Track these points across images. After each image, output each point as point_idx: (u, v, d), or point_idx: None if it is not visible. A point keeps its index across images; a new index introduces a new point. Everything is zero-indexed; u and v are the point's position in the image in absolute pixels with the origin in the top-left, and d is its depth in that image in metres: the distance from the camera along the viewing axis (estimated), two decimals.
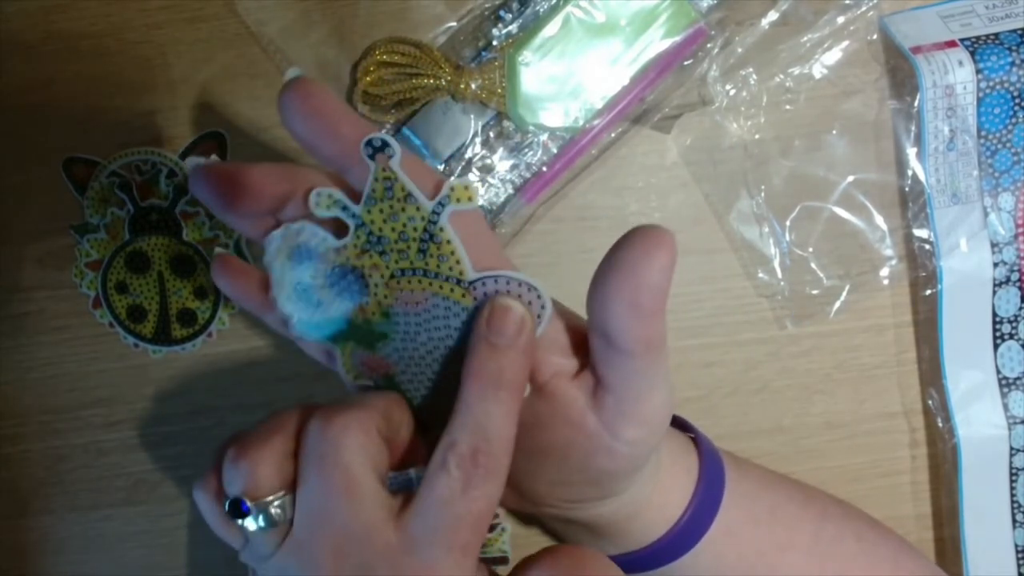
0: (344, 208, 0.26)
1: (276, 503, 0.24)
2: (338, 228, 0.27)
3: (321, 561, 0.23)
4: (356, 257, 0.27)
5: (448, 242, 0.26)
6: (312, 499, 0.23)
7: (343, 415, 0.24)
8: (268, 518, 0.24)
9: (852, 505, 0.36)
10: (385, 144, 0.25)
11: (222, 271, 0.28)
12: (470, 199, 0.25)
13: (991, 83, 0.36)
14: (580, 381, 0.26)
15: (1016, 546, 0.38)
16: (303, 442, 0.24)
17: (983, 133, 0.37)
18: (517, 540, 0.40)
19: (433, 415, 0.27)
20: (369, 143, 0.25)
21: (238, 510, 0.24)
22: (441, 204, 0.26)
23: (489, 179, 0.37)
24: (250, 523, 0.24)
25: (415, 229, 0.26)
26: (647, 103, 0.37)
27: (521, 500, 0.30)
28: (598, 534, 0.31)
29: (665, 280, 0.23)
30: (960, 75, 0.36)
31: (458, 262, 0.26)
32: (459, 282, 0.26)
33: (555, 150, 0.37)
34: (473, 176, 0.37)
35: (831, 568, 0.33)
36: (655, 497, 0.30)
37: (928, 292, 0.38)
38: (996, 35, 0.36)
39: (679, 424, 0.34)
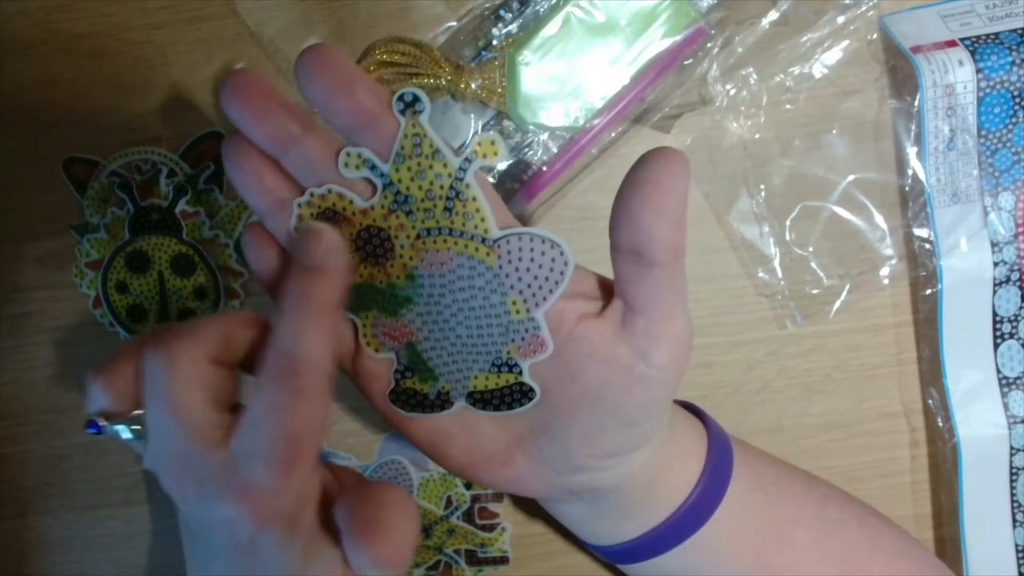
0: (373, 167, 0.26)
1: (133, 421, 0.26)
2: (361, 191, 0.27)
3: (169, 475, 0.25)
4: (383, 218, 0.27)
5: (473, 199, 0.26)
6: (152, 421, 0.25)
7: (172, 344, 0.25)
8: (133, 432, 0.26)
9: (854, 496, 0.36)
10: (416, 99, 0.25)
11: (253, 240, 0.28)
12: (496, 154, 0.26)
13: (991, 82, 0.36)
14: (607, 316, 0.27)
15: (1016, 545, 0.38)
16: (142, 368, 0.26)
17: (983, 132, 0.37)
18: (517, 540, 0.40)
19: (456, 379, 0.28)
20: (400, 98, 0.26)
21: (91, 425, 0.25)
22: (468, 160, 0.26)
23: (489, 179, 0.37)
24: (123, 434, 0.26)
25: (442, 187, 0.26)
26: (647, 103, 0.38)
27: (551, 475, 0.30)
28: (624, 510, 0.31)
29: (685, 186, 0.25)
30: (960, 74, 0.36)
31: (483, 219, 0.27)
32: (484, 240, 0.27)
33: (555, 150, 0.37)
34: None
35: (837, 548, 0.33)
36: (674, 461, 0.31)
37: (928, 292, 0.38)
38: (996, 35, 0.36)
39: (681, 405, 0.35)
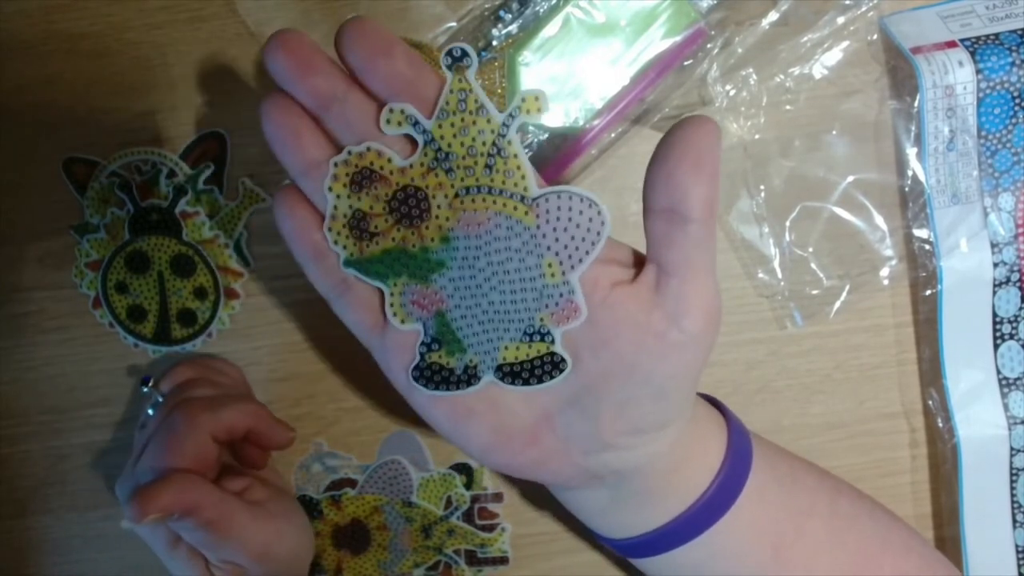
0: (415, 124, 0.26)
1: None
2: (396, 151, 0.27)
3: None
4: (421, 176, 0.27)
5: (515, 156, 0.26)
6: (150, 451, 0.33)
7: (196, 417, 0.33)
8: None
9: (862, 490, 0.36)
10: (464, 54, 0.26)
11: (285, 199, 0.28)
12: (539, 110, 0.26)
13: (991, 83, 0.36)
14: (641, 281, 0.28)
15: (1016, 546, 0.38)
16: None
17: (983, 133, 0.37)
18: (517, 540, 0.40)
19: (485, 350, 0.28)
20: (449, 52, 0.26)
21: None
22: (511, 116, 0.26)
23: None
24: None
25: (484, 143, 0.26)
26: (647, 103, 0.37)
27: (577, 455, 0.29)
28: (646, 496, 0.31)
29: (718, 147, 0.26)
30: (960, 75, 0.36)
31: (523, 177, 0.26)
32: (523, 199, 0.26)
33: (555, 150, 0.37)
34: None
35: (850, 541, 0.33)
36: (697, 445, 0.31)
37: (928, 292, 0.38)
38: (996, 35, 0.36)
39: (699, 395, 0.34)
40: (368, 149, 0.27)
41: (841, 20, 0.37)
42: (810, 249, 0.38)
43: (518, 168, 0.26)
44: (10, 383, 0.39)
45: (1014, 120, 0.37)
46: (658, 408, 0.28)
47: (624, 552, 0.34)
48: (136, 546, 0.39)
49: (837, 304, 0.38)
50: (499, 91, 0.36)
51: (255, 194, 0.39)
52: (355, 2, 0.37)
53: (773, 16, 0.37)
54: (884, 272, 0.38)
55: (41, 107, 0.38)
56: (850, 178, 0.38)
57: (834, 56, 0.38)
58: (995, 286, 0.38)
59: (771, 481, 0.32)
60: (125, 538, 0.39)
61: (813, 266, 0.38)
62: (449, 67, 0.26)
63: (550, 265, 0.27)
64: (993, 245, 0.37)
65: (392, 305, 0.28)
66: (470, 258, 0.27)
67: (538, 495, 0.39)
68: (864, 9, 0.37)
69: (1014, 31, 0.36)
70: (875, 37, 0.38)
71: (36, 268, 0.39)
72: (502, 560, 0.40)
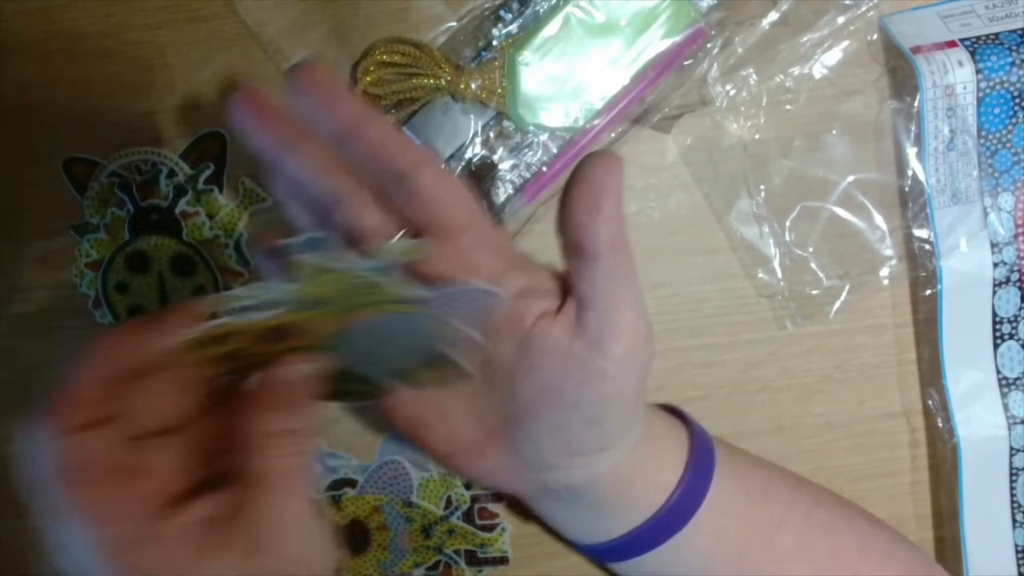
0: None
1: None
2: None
3: None
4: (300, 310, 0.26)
5: (390, 285, 0.26)
6: None
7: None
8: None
9: (846, 499, 0.36)
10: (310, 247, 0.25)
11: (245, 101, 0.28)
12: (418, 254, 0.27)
13: (991, 83, 0.36)
14: (563, 314, 0.29)
15: (1016, 546, 0.38)
16: None
17: (983, 133, 0.37)
18: (517, 540, 0.40)
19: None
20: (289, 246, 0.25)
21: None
22: (380, 266, 0.26)
23: (489, 179, 0.37)
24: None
25: (355, 285, 0.26)
26: (647, 103, 0.37)
27: (526, 470, 0.31)
28: (603, 509, 0.32)
29: (619, 183, 0.27)
30: (960, 75, 0.36)
31: (408, 289, 0.26)
32: (411, 301, 0.27)
33: (555, 150, 0.37)
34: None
35: (823, 551, 0.33)
36: (650, 463, 0.32)
37: (928, 292, 0.38)
38: (996, 35, 0.36)
39: (666, 409, 0.36)
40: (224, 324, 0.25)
41: (841, 20, 0.37)
42: (810, 249, 0.38)
43: (398, 287, 0.26)
44: (10, 383, 0.39)
45: (1014, 120, 0.37)
46: (591, 433, 0.29)
47: (594, 556, 0.35)
48: None
49: (837, 304, 0.38)
50: (499, 91, 0.36)
51: (255, 194, 0.39)
52: (355, 2, 0.37)
53: (773, 16, 0.37)
54: (884, 272, 0.38)
55: (41, 107, 0.38)
56: (850, 178, 0.38)
57: (834, 56, 0.38)
58: (995, 286, 0.38)
59: (737, 493, 0.33)
60: None
61: (813, 266, 0.38)
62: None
63: (441, 330, 0.28)
64: (993, 245, 0.37)
65: None
66: (362, 338, 0.27)
67: None
68: (864, 9, 0.37)
69: (1014, 31, 0.36)
70: (875, 37, 0.38)
71: (36, 268, 0.39)
72: (502, 560, 0.40)
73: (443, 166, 0.30)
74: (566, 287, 0.30)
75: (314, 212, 0.29)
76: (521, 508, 0.40)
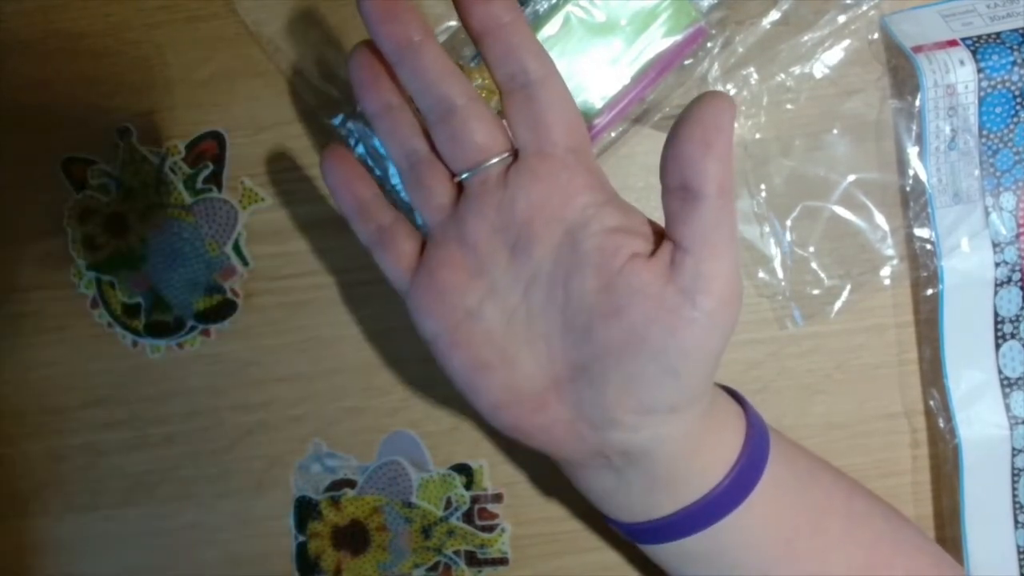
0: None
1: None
2: None
3: None
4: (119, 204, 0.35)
5: (172, 182, 0.34)
6: None
7: None
8: None
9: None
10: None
11: (332, 156, 0.31)
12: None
13: (992, 82, 0.36)
14: (657, 257, 0.28)
15: (1018, 547, 0.38)
16: None
17: (984, 132, 0.37)
18: (517, 540, 0.40)
19: (184, 306, 0.35)
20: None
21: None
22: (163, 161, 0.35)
23: None
24: None
25: (150, 178, 0.35)
26: (647, 103, 0.37)
27: (585, 428, 0.29)
28: (655, 482, 0.30)
29: (730, 124, 0.26)
30: (961, 74, 0.36)
31: (180, 193, 0.34)
32: (183, 207, 0.33)
33: None
34: None
35: (864, 539, 0.32)
36: (711, 436, 0.30)
37: (929, 292, 0.38)
38: (997, 34, 0.36)
39: (719, 387, 0.34)
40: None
41: (842, 19, 0.37)
42: (811, 249, 0.38)
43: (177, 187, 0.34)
44: (10, 383, 0.39)
45: (1015, 119, 0.36)
46: (667, 387, 0.28)
47: (631, 536, 0.33)
48: (135, 546, 0.39)
49: (838, 304, 0.38)
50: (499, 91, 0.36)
51: (254, 194, 0.38)
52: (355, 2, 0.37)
53: (774, 15, 0.37)
54: (885, 272, 0.38)
55: (41, 107, 0.38)
56: (851, 177, 0.38)
57: (835, 55, 0.38)
58: (996, 286, 0.37)
59: (788, 477, 0.32)
60: (124, 538, 0.39)
61: (814, 266, 0.38)
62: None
63: (210, 244, 0.37)
64: (995, 245, 0.37)
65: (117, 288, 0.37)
66: (160, 250, 0.37)
67: (538, 495, 0.39)
68: (865, 8, 0.37)
69: (1015, 30, 0.36)
70: (876, 36, 0.38)
71: (35, 268, 0.39)
72: (502, 561, 0.40)
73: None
74: (661, 235, 0.29)
75: (407, 133, 0.30)
76: (521, 508, 0.40)
